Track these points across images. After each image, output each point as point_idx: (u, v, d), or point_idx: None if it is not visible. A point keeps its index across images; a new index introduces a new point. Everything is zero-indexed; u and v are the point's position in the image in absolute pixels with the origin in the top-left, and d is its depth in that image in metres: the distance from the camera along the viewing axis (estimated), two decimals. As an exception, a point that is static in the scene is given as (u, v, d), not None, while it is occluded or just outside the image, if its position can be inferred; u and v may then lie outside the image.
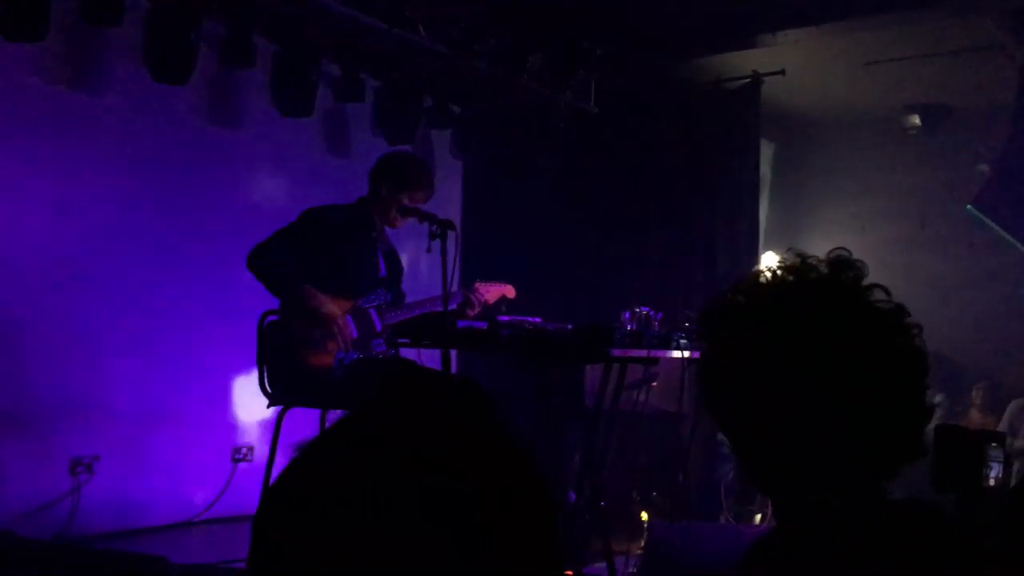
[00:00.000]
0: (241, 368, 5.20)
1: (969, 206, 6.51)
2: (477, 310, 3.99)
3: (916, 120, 7.13)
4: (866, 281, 1.13)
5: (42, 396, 4.59)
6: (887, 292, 1.13)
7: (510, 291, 4.35)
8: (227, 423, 5.35)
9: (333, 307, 3.84)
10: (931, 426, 1.20)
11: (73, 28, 4.60)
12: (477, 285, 4.26)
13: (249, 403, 5.28)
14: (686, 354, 3.91)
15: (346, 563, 0.70)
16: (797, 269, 1.15)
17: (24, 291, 4.52)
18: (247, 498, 5.29)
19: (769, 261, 6.49)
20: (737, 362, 1.13)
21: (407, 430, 0.74)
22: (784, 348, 1.09)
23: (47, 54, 4.48)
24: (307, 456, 0.76)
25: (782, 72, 6.25)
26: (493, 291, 4.30)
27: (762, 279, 1.16)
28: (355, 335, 3.90)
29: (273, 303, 3.93)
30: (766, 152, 7.27)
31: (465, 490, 0.72)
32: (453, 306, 4.02)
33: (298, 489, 0.75)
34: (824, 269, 1.14)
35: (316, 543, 0.71)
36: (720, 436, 5.20)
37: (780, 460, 1.11)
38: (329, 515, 0.71)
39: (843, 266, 1.14)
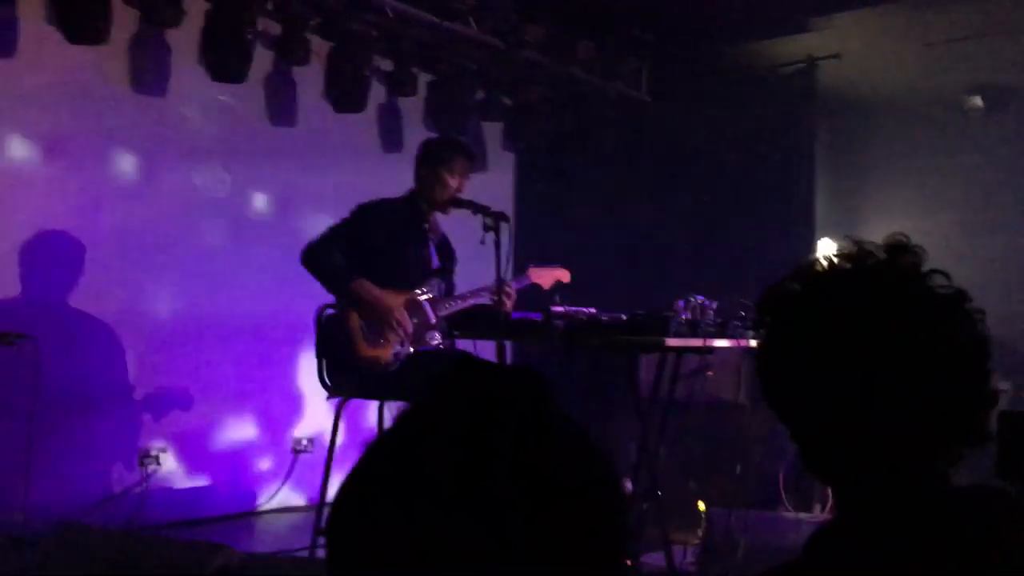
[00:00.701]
0: (301, 360, 5.29)
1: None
2: (508, 307, 3.95)
3: (978, 102, 6.94)
4: (926, 266, 1.12)
5: (111, 389, 4.72)
6: (947, 277, 1.11)
7: (564, 275, 4.34)
8: (288, 415, 5.44)
9: (390, 300, 3.88)
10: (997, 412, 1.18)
11: (134, 29, 4.72)
12: (530, 270, 4.27)
13: (309, 395, 5.37)
14: (742, 343, 3.88)
15: (416, 554, 0.72)
16: (854, 256, 1.14)
17: (93, 285, 4.64)
18: (308, 488, 5.39)
19: (825, 248, 6.40)
20: (794, 350, 1.13)
21: (466, 423, 0.75)
22: (842, 336, 1.08)
23: (109, 55, 4.60)
24: (371, 454, 0.78)
25: (838, 56, 6.14)
26: (547, 275, 4.30)
27: (818, 266, 1.15)
28: (411, 328, 3.94)
29: (331, 296, 3.99)
30: (822, 138, 7.14)
31: (529, 480, 0.73)
32: (486, 300, 4.01)
33: (366, 487, 0.77)
34: (882, 255, 1.13)
35: (386, 538, 0.73)
36: (779, 425, 5.14)
37: (840, 448, 1.11)
38: (396, 510, 0.73)
39: (901, 251, 1.12)
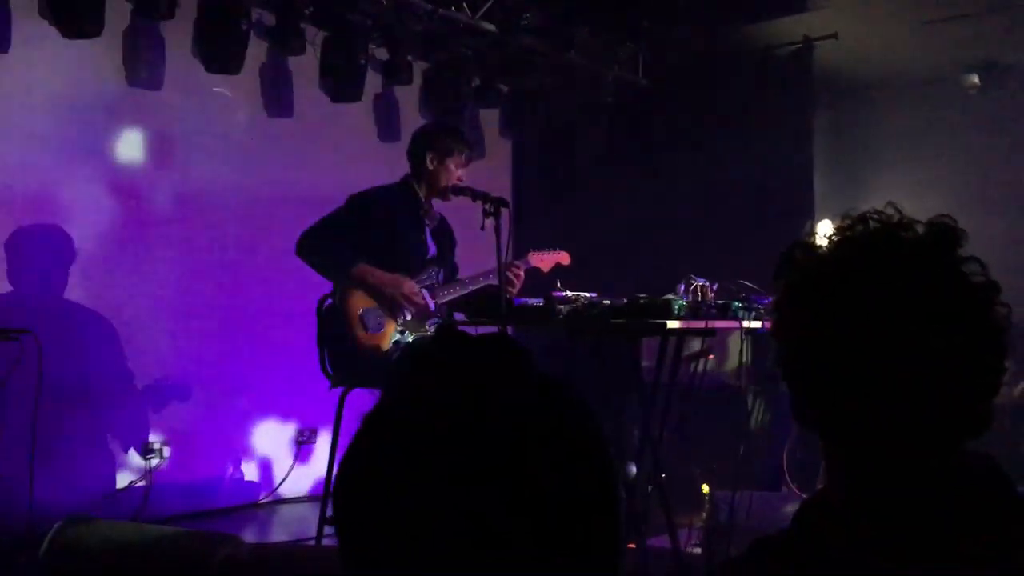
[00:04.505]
0: (302, 351, 5.28)
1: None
2: (517, 288, 3.98)
3: (975, 79, 6.93)
4: (963, 252, 1.08)
5: (113, 383, 4.72)
6: (982, 265, 1.08)
7: (564, 258, 4.34)
8: (290, 406, 5.44)
9: (397, 276, 3.88)
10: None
11: (127, 22, 4.70)
12: (530, 254, 4.27)
13: (311, 385, 5.37)
14: (744, 324, 3.88)
15: (410, 524, 0.74)
16: (893, 224, 1.10)
17: (92, 280, 4.64)
18: (312, 479, 5.40)
19: (825, 230, 6.39)
20: (811, 310, 1.09)
21: (446, 392, 0.78)
22: (861, 305, 1.05)
23: (102, 49, 4.58)
24: (364, 428, 0.81)
25: (835, 36, 6.12)
26: (547, 259, 4.30)
27: (854, 229, 1.12)
28: (430, 304, 3.95)
29: (330, 286, 3.98)
30: (820, 119, 7.12)
31: (513, 445, 0.75)
32: (491, 282, 4.03)
33: (362, 456, 0.80)
34: (920, 230, 1.09)
35: (384, 511, 0.76)
36: (781, 408, 5.14)
37: (839, 416, 1.08)
38: (393, 481, 0.75)
39: (941, 231, 1.09)
